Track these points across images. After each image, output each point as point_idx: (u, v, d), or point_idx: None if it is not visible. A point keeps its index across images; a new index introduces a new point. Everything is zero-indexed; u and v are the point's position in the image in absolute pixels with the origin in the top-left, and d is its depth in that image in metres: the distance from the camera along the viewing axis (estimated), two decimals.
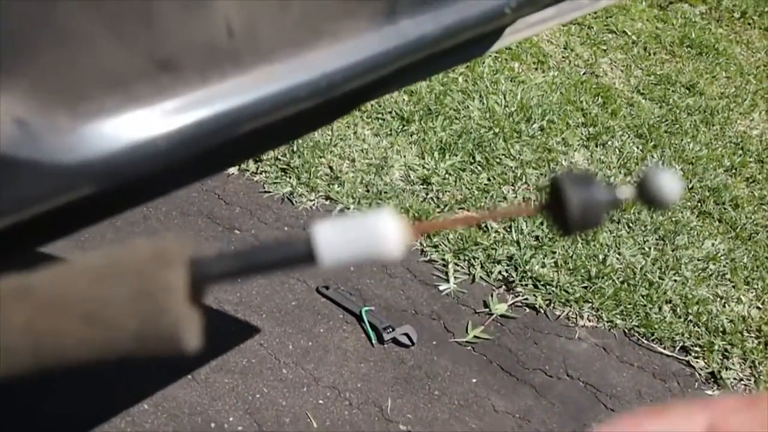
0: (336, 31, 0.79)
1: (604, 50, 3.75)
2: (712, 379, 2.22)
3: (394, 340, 2.13)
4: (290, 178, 2.59)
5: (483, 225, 2.53)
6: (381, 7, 0.83)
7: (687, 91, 3.52)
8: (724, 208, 2.83)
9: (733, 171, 3.06)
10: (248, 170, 2.60)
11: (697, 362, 2.25)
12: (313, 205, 2.54)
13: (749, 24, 4.21)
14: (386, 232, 0.45)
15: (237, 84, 0.72)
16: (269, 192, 2.55)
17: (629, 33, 3.91)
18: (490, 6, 0.93)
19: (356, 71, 0.81)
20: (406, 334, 2.14)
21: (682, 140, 3.17)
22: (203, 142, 0.70)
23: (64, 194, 0.65)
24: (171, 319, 0.43)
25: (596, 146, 3.06)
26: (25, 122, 0.60)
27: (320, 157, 2.70)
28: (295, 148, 2.68)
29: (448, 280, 2.37)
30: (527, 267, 2.41)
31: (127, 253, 0.45)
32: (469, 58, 1.11)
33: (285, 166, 2.63)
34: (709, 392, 2.19)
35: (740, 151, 3.17)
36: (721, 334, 2.33)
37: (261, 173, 2.61)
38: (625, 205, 0.49)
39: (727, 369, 2.24)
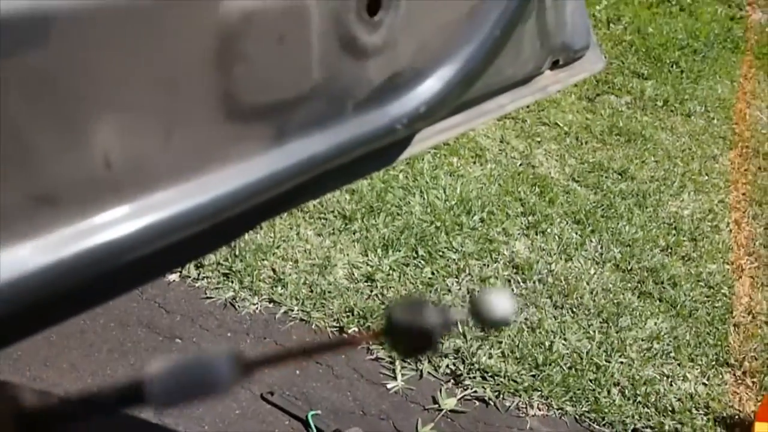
0: (223, 156, 0.80)
1: (539, 141, 3.89)
2: None
3: None
4: (232, 282, 2.57)
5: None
6: (269, 130, 0.84)
7: (619, 177, 3.65)
8: (664, 287, 2.89)
9: (669, 251, 3.14)
10: (189, 276, 2.58)
11: None
12: (257, 308, 2.52)
13: (672, 111, 4.43)
14: (221, 372, 0.45)
15: (119, 214, 0.71)
16: (211, 298, 2.52)
17: (561, 124, 4.08)
18: (381, 124, 0.95)
19: (245, 194, 0.82)
20: None
21: (618, 224, 3.26)
22: (85, 273, 0.69)
23: None
24: None
25: (536, 234, 3.12)
26: None
27: (263, 259, 2.69)
28: (237, 252, 2.67)
29: (395, 378, 2.34)
30: (474, 359, 2.40)
31: None
32: (380, 167, 1.13)
33: (227, 271, 2.61)
34: None
35: (674, 231, 3.27)
36: (670, 413, 2.33)
37: (202, 279, 2.58)
38: (457, 326, 0.51)
39: None
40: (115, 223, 0.71)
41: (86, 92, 0.67)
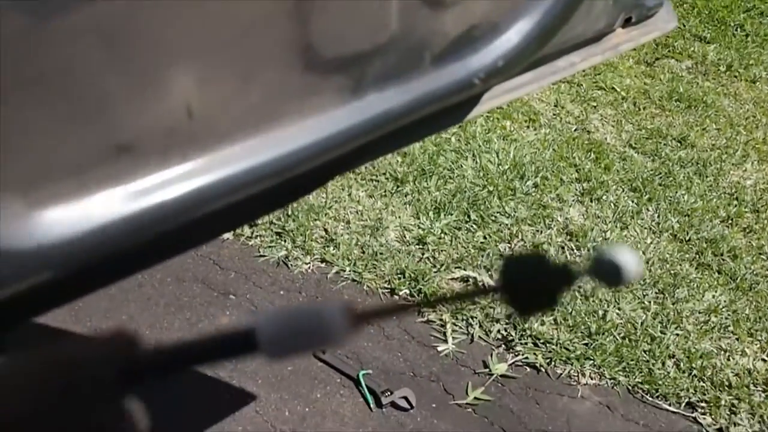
0: (300, 108, 0.78)
1: (594, 107, 3.79)
2: None
3: (393, 404, 2.09)
4: (285, 241, 2.59)
5: (480, 283, 2.51)
6: (346, 83, 0.82)
7: (678, 144, 3.55)
8: (723, 260, 2.81)
9: (730, 222, 3.05)
10: (243, 235, 2.60)
11: (704, 418, 2.20)
12: (309, 268, 2.53)
13: (735, 76, 4.27)
14: (332, 324, 0.44)
15: (199, 165, 0.70)
16: (264, 256, 2.54)
17: (618, 89, 3.97)
18: (459, 77, 0.93)
19: (321, 147, 0.80)
20: (405, 398, 2.10)
21: (676, 192, 3.17)
22: (165, 223, 0.68)
23: (21, 281, 0.63)
24: (102, 413, 0.43)
25: (591, 201, 3.06)
26: None
27: (315, 219, 2.69)
28: (290, 212, 2.68)
29: (446, 341, 2.33)
30: (526, 325, 2.38)
31: (69, 348, 0.45)
32: (448, 125, 1.10)
33: (280, 230, 2.62)
34: None
35: (735, 202, 3.17)
36: (727, 388, 2.28)
37: (256, 237, 2.60)
38: (579, 284, 0.49)
39: (735, 425, 2.19)
40: (195, 174, 0.70)
41: (170, 41, 0.66)
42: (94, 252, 0.65)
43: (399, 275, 2.53)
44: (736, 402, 2.24)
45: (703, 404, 2.23)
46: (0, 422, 0.43)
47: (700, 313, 2.54)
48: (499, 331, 2.38)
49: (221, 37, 0.70)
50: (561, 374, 2.28)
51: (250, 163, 0.73)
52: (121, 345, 0.45)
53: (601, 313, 2.47)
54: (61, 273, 0.64)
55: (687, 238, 2.90)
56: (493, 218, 2.85)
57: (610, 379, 2.28)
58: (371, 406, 2.08)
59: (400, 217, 2.79)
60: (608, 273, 0.47)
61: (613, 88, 3.98)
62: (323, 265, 2.54)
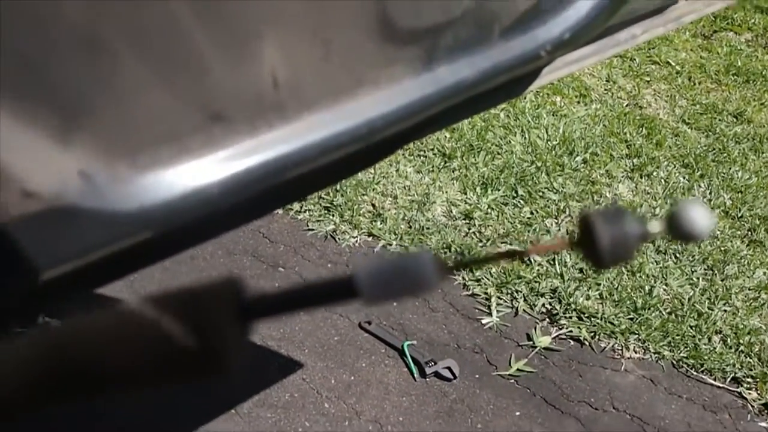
0: (375, 78, 0.82)
1: (648, 81, 3.73)
2: (766, 411, 2.15)
3: (436, 374, 2.14)
4: (333, 216, 2.65)
5: (525, 258, 2.53)
6: (419, 54, 0.86)
7: (734, 120, 3.47)
8: None
9: None
10: (292, 209, 2.67)
11: (749, 393, 2.19)
12: (356, 242, 2.59)
13: None
14: (425, 270, 0.48)
15: (283, 133, 0.76)
16: (312, 230, 2.60)
17: (673, 63, 3.89)
18: (526, 49, 0.95)
19: (396, 117, 0.84)
20: (448, 368, 2.14)
21: (730, 169, 3.11)
22: (253, 188, 0.74)
23: (126, 239, 0.70)
24: (219, 353, 0.48)
25: (641, 177, 3.03)
26: (89, 174, 0.65)
27: (363, 194, 2.75)
28: (338, 187, 2.74)
29: (490, 314, 2.37)
30: (571, 299, 2.39)
31: (182, 292, 0.50)
32: (507, 98, 1.12)
33: (328, 205, 2.69)
34: (763, 424, 2.12)
35: None
36: None
37: (305, 212, 2.67)
38: (655, 238, 0.51)
39: None
40: (279, 142, 0.76)
41: (258, 9, 0.71)
42: (190, 213, 0.71)
43: (445, 249, 2.56)
44: None
45: (749, 379, 2.22)
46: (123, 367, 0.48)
47: (749, 289, 2.51)
48: (543, 305, 2.40)
49: (304, 5, 0.74)
50: (605, 348, 2.29)
51: (328, 132, 0.79)
52: (231, 290, 0.50)
53: (647, 288, 2.46)
54: (160, 232, 0.71)
55: (739, 215, 2.85)
56: (540, 194, 2.85)
57: (654, 353, 2.28)
58: (415, 375, 2.13)
59: (447, 192, 2.82)
60: (683, 227, 0.50)
61: (667, 62, 3.90)
62: (370, 239, 2.60)
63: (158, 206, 0.69)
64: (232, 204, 0.75)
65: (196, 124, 0.71)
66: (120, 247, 0.70)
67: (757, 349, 2.29)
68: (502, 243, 2.62)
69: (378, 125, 0.83)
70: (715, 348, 2.29)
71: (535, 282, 2.46)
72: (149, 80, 0.66)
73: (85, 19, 0.60)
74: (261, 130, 0.75)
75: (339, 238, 2.58)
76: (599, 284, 2.45)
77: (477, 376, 2.17)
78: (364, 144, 0.83)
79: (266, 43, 0.72)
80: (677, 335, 2.32)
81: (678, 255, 2.62)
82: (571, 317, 2.36)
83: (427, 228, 2.64)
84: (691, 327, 2.35)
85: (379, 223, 2.64)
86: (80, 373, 0.48)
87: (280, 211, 2.67)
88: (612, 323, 2.34)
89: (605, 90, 3.64)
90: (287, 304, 0.51)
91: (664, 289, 2.48)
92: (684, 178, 3.05)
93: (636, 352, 2.29)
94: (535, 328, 2.32)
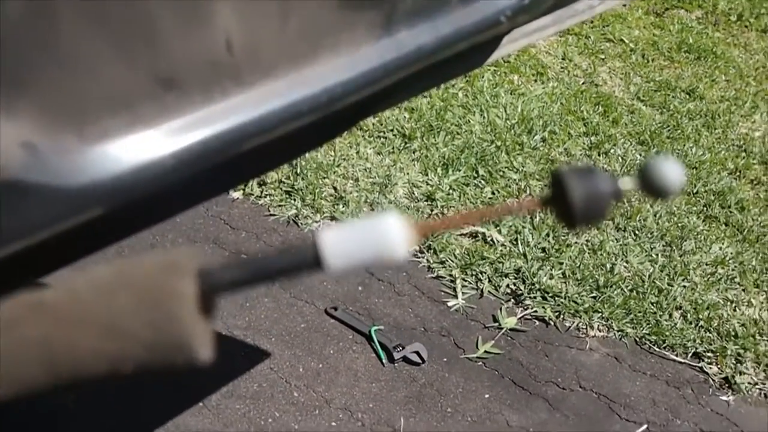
0: (334, 44, 0.79)
1: (602, 59, 3.76)
2: (727, 385, 2.21)
3: (405, 359, 2.13)
4: (295, 200, 2.60)
5: (489, 239, 2.53)
6: (378, 18, 0.83)
7: (687, 96, 3.53)
8: (730, 212, 2.82)
9: (737, 174, 3.05)
10: (253, 194, 2.62)
11: (710, 368, 2.24)
12: (319, 226, 2.55)
13: (746, 27, 4.22)
14: (391, 234, 0.46)
15: (239, 101, 0.72)
16: (274, 215, 2.56)
17: (626, 41, 3.93)
18: (486, 15, 0.93)
19: (356, 84, 0.81)
20: (417, 352, 2.14)
21: (684, 145, 3.17)
22: (209, 159, 0.71)
23: (74, 216, 0.65)
24: (183, 327, 0.44)
25: (599, 155, 3.06)
26: (32, 145, 0.60)
27: (324, 178, 2.71)
28: (298, 171, 2.69)
29: (456, 296, 2.36)
30: (535, 279, 2.41)
31: (137, 264, 0.46)
32: (467, 69, 1.11)
33: (289, 189, 2.64)
34: (724, 398, 2.17)
35: (743, 154, 3.17)
36: (733, 338, 2.31)
37: (265, 197, 2.62)
38: (627, 195, 0.50)
39: (741, 374, 2.23)
40: (236, 110, 0.72)
41: None
42: (143, 187, 0.67)
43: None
44: (741, 351, 2.28)
45: (710, 354, 2.27)
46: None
47: (707, 265, 2.57)
48: (508, 285, 2.41)
49: None
50: (569, 327, 2.32)
51: (287, 100, 0.75)
52: (190, 262, 0.46)
53: (609, 266, 2.49)
54: (111, 208, 0.66)
55: (695, 191, 2.90)
56: (501, 173, 2.86)
57: (618, 331, 2.32)
58: (383, 361, 2.12)
59: (408, 173, 2.80)
60: (655, 182, 0.49)
61: (621, 39, 3.94)
62: (333, 222, 2.57)
63: (109, 180, 0.65)
64: (188, 178, 0.71)
65: (147, 91, 0.66)
66: (68, 226, 0.66)
67: (715, 324, 2.34)
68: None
69: (337, 93, 0.80)
70: (675, 324, 2.34)
71: (499, 262, 2.46)
72: (97, 45, 0.62)
73: None
74: (216, 98, 0.71)
75: (301, 223, 2.54)
76: (562, 263, 2.48)
77: (445, 359, 2.17)
78: (323, 113, 0.80)
79: (220, 3, 0.68)
80: (639, 312, 2.35)
81: (637, 232, 2.66)
82: (535, 297, 2.38)
83: (390, 210, 2.62)
84: (652, 304, 2.39)
85: (341, 206, 2.61)
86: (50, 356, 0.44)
87: (241, 196, 2.61)
88: (576, 302, 2.37)
89: (561, 68, 3.65)
90: (248, 276, 0.48)
91: (625, 267, 2.52)
92: (640, 155, 3.09)
93: (600, 331, 2.32)
94: (501, 309, 2.33)
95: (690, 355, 2.27)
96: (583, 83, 3.54)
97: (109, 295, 0.45)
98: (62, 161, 0.62)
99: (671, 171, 0.49)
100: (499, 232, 2.58)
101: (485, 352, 2.20)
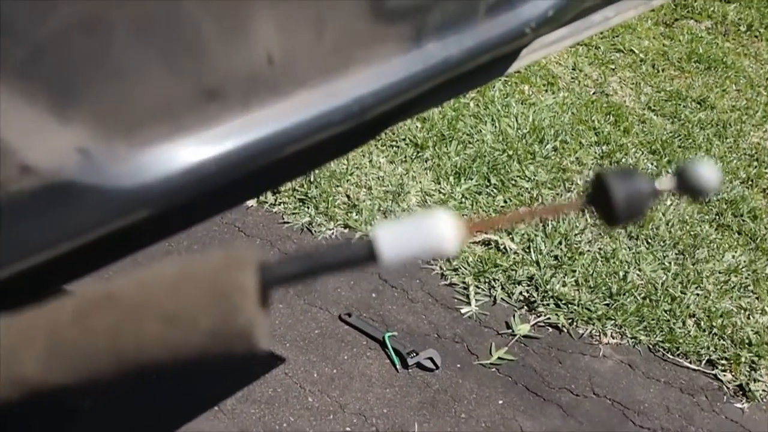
0: (366, 56, 0.82)
1: (613, 69, 3.78)
2: (741, 392, 2.20)
3: (419, 365, 2.14)
4: (308, 208, 2.62)
5: (501, 247, 2.54)
6: (407, 31, 0.86)
7: (698, 106, 3.54)
8: (743, 220, 2.82)
9: (750, 183, 3.05)
10: (267, 202, 2.64)
11: (724, 375, 2.24)
12: (333, 234, 2.57)
13: (756, 37, 4.23)
14: (443, 230, 0.48)
15: (276, 110, 0.75)
16: (288, 223, 2.58)
17: (636, 51, 3.94)
18: (512, 27, 0.96)
19: (386, 95, 0.84)
20: (430, 358, 2.15)
21: (696, 154, 3.17)
22: (246, 165, 0.74)
23: (123, 217, 0.69)
24: (244, 317, 0.47)
25: (610, 164, 3.07)
26: (87, 151, 0.64)
27: (337, 186, 2.73)
28: (312, 179, 2.71)
29: (469, 303, 2.37)
30: (548, 287, 2.42)
31: (201, 260, 0.49)
32: (489, 79, 1.13)
33: (303, 197, 2.66)
34: (738, 405, 2.17)
35: (755, 163, 3.17)
36: (747, 346, 2.31)
37: (279, 204, 2.64)
38: (665, 195, 0.52)
39: (755, 381, 2.23)
40: (273, 119, 0.75)
41: None
42: (187, 190, 0.70)
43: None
44: (756, 359, 2.27)
45: (723, 362, 2.27)
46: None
47: (720, 273, 2.57)
48: (521, 292, 2.42)
49: None
50: (582, 334, 2.32)
51: (321, 110, 0.78)
52: (250, 257, 0.49)
53: (621, 274, 2.50)
54: (157, 210, 0.69)
55: (707, 200, 2.90)
56: (513, 182, 2.87)
57: (631, 338, 2.32)
58: (397, 367, 2.13)
59: (421, 182, 2.82)
60: (692, 182, 0.51)
61: (631, 50, 3.95)
62: (346, 230, 2.58)
63: (158, 183, 0.69)
64: (229, 181, 0.74)
65: (191, 101, 0.70)
66: (116, 227, 0.69)
67: (729, 332, 2.34)
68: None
69: (368, 103, 0.83)
70: (689, 331, 2.34)
71: (512, 270, 2.47)
72: (145, 57, 0.65)
73: None
74: (254, 108, 0.75)
75: (315, 231, 2.56)
76: (575, 271, 2.48)
77: (459, 365, 2.18)
78: (354, 122, 0.83)
79: (262, 20, 0.72)
80: (652, 320, 2.36)
81: (650, 240, 2.66)
82: (548, 304, 2.38)
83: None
84: (665, 311, 2.39)
85: (354, 214, 2.63)
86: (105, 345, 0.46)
87: (254, 204, 2.63)
88: (589, 309, 2.37)
89: (572, 78, 3.67)
90: (306, 269, 0.51)
91: (638, 275, 2.52)
92: (652, 164, 3.10)
93: (613, 338, 2.32)
94: (514, 316, 2.34)
95: (704, 362, 2.27)
96: (593, 93, 3.56)
97: (176, 287, 0.47)
98: (113, 165, 0.66)
99: (708, 172, 0.52)
100: (512, 240, 2.59)
101: (499, 358, 2.21)
